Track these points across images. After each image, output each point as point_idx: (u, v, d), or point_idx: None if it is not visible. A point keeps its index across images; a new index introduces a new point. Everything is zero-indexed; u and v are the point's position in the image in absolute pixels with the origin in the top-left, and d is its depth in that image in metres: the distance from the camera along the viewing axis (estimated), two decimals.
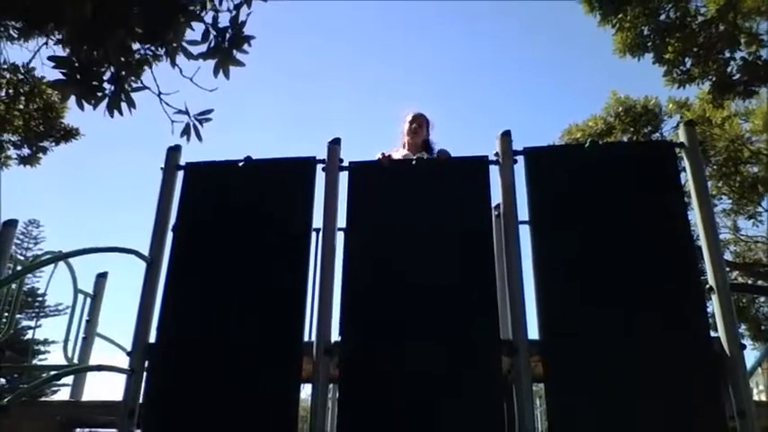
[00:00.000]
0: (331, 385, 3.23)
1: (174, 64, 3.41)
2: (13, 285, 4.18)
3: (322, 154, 2.94)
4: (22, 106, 7.96)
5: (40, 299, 22.60)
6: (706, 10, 8.05)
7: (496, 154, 2.85)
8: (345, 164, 2.92)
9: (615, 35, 8.37)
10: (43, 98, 8.03)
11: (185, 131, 3.57)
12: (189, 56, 3.43)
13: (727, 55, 7.99)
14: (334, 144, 2.95)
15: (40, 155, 8.58)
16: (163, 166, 3.04)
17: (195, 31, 3.45)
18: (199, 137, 3.59)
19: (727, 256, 13.74)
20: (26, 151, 8.51)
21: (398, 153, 3.90)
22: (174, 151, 3.06)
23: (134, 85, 3.41)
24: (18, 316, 4.80)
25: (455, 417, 2.37)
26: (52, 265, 4.56)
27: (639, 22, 8.12)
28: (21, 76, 7.69)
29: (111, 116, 3.28)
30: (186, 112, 3.55)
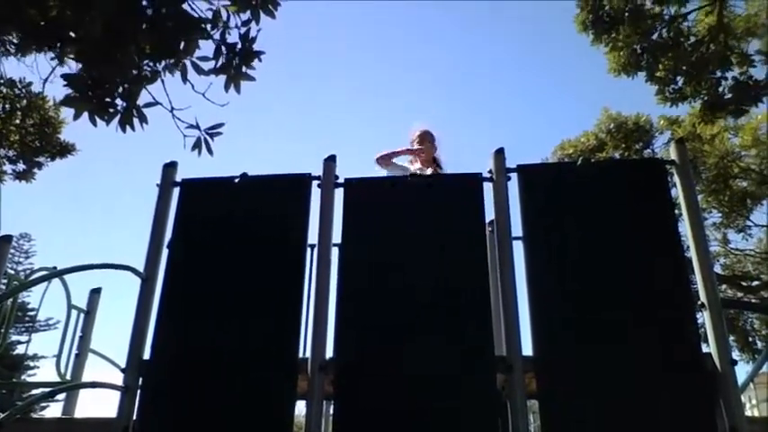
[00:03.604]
0: (324, 402, 3.22)
1: (185, 79, 3.45)
2: (8, 301, 4.15)
3: (316, 166, 2.97)
4: (18, 121, 7.96)
5: (30, 314, 22.34)
6: (697, 30, 8.18)
7: (490, 171, 2.88)
8: (341, 180, 2.95)
9: (608, 54, 8.49)
10: (40, 113, 8.04)
11: (196, 145, 3.60)
12: (200, 71, 3.46)
13: (719, 74, 8.09)
14: (330, 161, 2.98)
15: (36, 170, 8.57)
16: (159, 182, 3.05)
17: (205, 48, 3.50)
18: (210, 151, 3.62)
19: (717, 269, 13.83)
20: (21, 167, 8.50)
21: (411, 168, 4.01)
22: (169, 168, 3.08)
23: (145, 100, 3.44)
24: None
25: None
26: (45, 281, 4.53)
27: (632, 40, 8.24)
28: (18, 91, 7.70)
29: (124, 131, 3.31)
30: (197, 127, 3.59)
